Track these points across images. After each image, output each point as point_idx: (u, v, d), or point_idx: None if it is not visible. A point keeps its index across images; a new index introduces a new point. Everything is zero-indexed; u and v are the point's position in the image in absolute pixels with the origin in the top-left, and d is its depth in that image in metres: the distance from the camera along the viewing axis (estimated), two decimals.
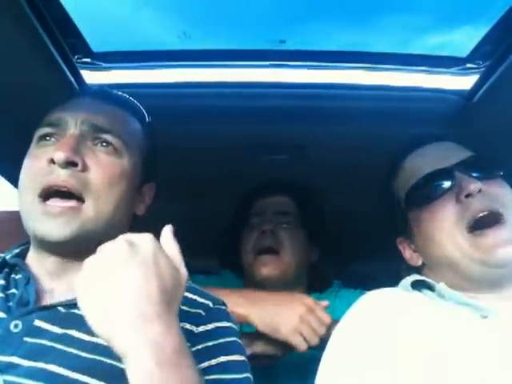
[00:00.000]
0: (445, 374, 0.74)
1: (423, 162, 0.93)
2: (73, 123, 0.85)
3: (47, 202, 0.79)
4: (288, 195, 1.43)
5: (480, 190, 0.84)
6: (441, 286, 0.87)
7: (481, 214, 0.84)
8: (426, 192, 0.89)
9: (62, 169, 0.79)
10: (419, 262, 0.95)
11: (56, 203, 0.79)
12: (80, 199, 0.80)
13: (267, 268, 1.30)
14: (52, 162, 0.80)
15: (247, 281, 1.40)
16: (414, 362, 0.75)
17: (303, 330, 1.01)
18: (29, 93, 1.07)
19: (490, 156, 0.91)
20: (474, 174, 0.87)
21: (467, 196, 0.85)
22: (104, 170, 0.83)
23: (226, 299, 0.92)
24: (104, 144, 0.85)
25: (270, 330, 1.02)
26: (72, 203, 0.79)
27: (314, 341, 1.01)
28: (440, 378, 0.74)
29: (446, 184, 0.87)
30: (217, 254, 1.53)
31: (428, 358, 0.76)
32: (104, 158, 0.84)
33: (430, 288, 0.89)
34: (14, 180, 1.42)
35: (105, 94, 0.97)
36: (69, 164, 0.80)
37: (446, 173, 0.88)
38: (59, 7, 1.02)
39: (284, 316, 1.02)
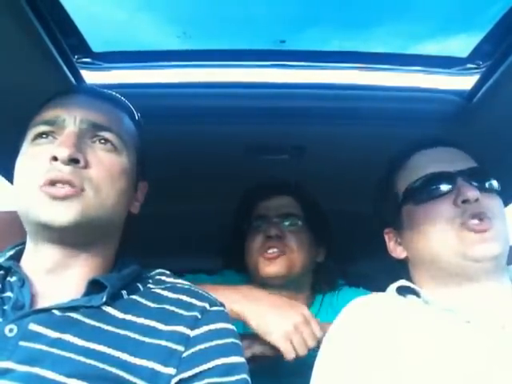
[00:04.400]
0: (432, 378, 0.76)
1: (428, 161, 0.96)
2: (71, 121, 0.84)
3: (51, 187, 0.78)
4: (291, 195, 1.39)
5: (477, 200, 0.88)
6: (424, 292, 0.90)
7: (474, 221, 0.88)
8: (426, 190, 0.93)
9: (65, 166, 0.78)
10: (402, 255, 0.99)
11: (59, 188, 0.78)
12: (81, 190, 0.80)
13: (273, 266, 1.29)
14: (54, 159, 0.79)
15: (252, 281, 1.38)
16: (402, 366, 0.78)
17: (294, 339, 0.99)
18: (28, 93, 1.06)
19: (490, 170, 0.95)
20: (474, 184, 0.91)
21: (464, 202, 0.89)
22: (105, 167, 0.82)
23: (222, 295, 0.92)
24: (102, 141, 0.84)
25: (262, 330, 1.00)
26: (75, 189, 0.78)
27: (303, 351, 0.99)
28: (428, 382, 0.76)
29: (447, 187, 0.92)
30: (218, 253, 1.53)
31: (415, 362, 0.78)
32: (104, 156, 0.83)
33: (416, 293, 0.92)
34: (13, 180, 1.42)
35: (96, 91, 0.95)
36: (71, 161, 0.79)
37: (449, 176, 0.92)
38: (59, 7, 1.02)
39: (278, 320, 1.00)
